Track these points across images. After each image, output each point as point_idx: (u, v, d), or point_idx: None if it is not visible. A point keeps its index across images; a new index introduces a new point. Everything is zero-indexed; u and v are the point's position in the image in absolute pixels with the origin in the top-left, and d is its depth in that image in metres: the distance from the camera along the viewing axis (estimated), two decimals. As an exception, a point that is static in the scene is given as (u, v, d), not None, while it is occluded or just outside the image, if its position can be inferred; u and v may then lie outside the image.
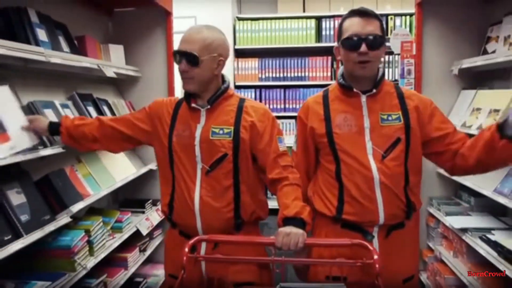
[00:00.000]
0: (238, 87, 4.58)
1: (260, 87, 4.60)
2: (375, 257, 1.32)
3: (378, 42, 1.47)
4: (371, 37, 1.47)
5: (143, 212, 2.79)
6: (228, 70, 4.60)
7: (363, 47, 1.46)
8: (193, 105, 1.57)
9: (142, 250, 2.71)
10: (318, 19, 4.53)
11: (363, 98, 1.54)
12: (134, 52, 2.96)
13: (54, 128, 1.74)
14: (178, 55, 1.54)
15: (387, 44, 1.70)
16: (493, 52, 2.44)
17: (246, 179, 1.58)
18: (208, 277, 1.57)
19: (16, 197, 1.70)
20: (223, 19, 4.59)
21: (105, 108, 2.53)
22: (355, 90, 1.54)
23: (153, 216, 2.84)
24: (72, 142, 1.76)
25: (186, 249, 1.39)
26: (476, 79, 2.73)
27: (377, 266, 1.31)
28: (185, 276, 1.35)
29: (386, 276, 1.38)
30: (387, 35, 4.18)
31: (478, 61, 2.42)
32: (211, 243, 1.55)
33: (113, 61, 2.69)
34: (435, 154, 1.58)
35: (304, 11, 4.61)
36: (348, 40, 1.49)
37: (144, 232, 2.63)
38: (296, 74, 4.60)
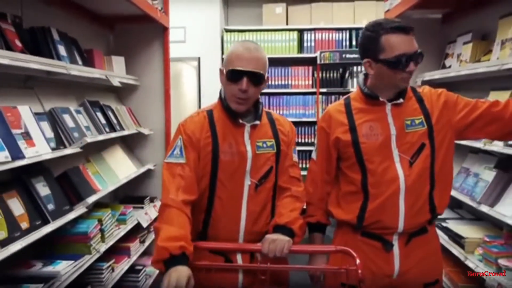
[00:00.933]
0: (225, 94, 4.91)
1: (246, 94, 4.94)
2: (357, 262, 1.36)
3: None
4: (418, 55, 1.46)
5: (142, 208, 3.08)
6: (215, 78, 4.90)
7: (411, 66, 1.45)
8: (241, 121, 1.51)
9: (142, 242, 3.01)
10: (300, 31, 4.91)
11: (388, 107, 1.52)
12: (133, 62, 3.26)
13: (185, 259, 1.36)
14: (240, 74, 1.44)
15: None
16: (449, 67, 2.85)
17: (279, 190, 1.58)
18: None
19: (43, 189, 1.99)
20: (211, 30, 4.93)
21: (110, 114, 2.83)
22: (381, 99, 1.52)
23: (151, 211, 3.14)
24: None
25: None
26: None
27: (359, 272, 1.33)
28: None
29: (407, 281, 1.44)
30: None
31: (435, 74, 2.82)
32: (247, 256, 1.51)
33: (116, 71, 2.99)
34: (482, 132, 1.56)
35: (287, 23, 4.97)
36: (397, 59, 1.43)
37: (145, 224, 2.92)
38: (279, 82, 4.96)
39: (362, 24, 4.73)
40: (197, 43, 4.93)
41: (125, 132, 2.88)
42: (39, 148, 1.87)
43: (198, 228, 1.52)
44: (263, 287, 1.41)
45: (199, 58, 5.09)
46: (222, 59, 4.87)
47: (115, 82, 2.74)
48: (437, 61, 3.14)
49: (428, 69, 3.10)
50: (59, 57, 2.18)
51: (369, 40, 1.49)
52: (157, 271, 3.04)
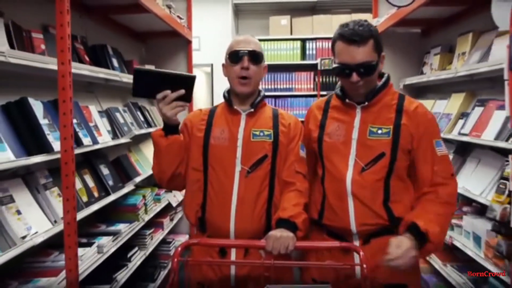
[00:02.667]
0: (236, 97, 5.53)
1: (255, 96, 5.55)
2: (362, 254, 1.36)
3: (370, 69, 1.42)
4: (360, 67, 1.41)
5: (171, 191, 3.69)
6: (227, 82, 5.50)
7: (354, 77, 1.42)
8: (236, 107, 1.57)
9: (171, 219, 3.62)
10: (303, 40, 5.51)
11: (358, 110, 1.51)
12: (163, 69, 3.88)
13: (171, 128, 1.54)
14: (239, 54, 1.52)
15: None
16: (425, 73, 3.44)
17: (280, 181, 1.58)
18: (236, 285, 1.53)
19: (104, 169, 2.60)
20: (223, 40, 5.51)
21: (146, 113, 3.44)
22: (347, 101, 1.52)
23: (178, 194, 3.75)
24: (173, 156, 1.57)
25: (180, 248, 1.40)
26: (416, 92, 3.73)
27: (365, 268, 1.33)
28: (175, 279, 1.33)
29: (371, 281, 1.39)
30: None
31: (413, 79, 3.42)
32: (242, 251, 1.54)
33: (149, 77, 3.61)
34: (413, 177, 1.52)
35: (291, 34, 5.56)
36: (339, 67, 1.45)
37: (174, 204, 3.54)
38: (284, 86, 5.57)
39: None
40: (210, 51, 5.52)
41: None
42: (104, 137, 2.49)
43: (198, 213, 1.57)
44: (258, 281, 1.41)
45: (212, 65, 5.71)
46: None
47: (151, 87, 3.36)
48: (417, 68, 3.73)
49: (409, 74, 3.69)
50: (113, 68, 2.80)
51: (332, 43, 1.50)
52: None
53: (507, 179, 1.73)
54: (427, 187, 1.47)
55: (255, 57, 1.55)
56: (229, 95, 1.63)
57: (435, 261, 2.73)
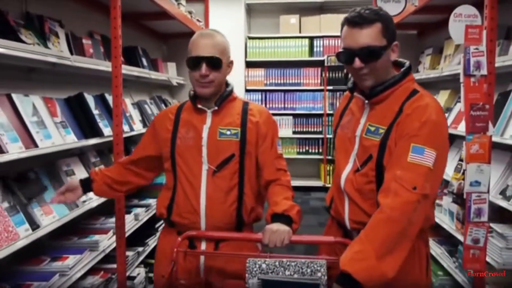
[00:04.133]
0: (248, 91, 5.94)
1: (265, 91, 5.96)
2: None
3: (374, 54, 1.29)
4: (362, 51, 1.30)
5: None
6: (240, 77, 5.96)
7: (356, 62, 1.31)
8: (199, 106, 1.54)
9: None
10: (311, 38, 5.89)
11: (366, 104, 1.40)
12: (182, 67, 4.31)
13: (87, 184, 1.68)
14: (197, 60, 1.47)
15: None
16: (419, 72, 3.82)
17: (249, 179, 1.56)
18: (205, 277, 1.54)
19: (136, 153, 3.06)
20: (237, 37, 5.93)
21: (169, 104, 3.89)
22: (355, 94, 1.44)
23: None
24: (106, 190, 1.68)
25: (179, 240, 1.42)
26: (412, 88, 4.10)
27: None
28: (175, 269, 1.36)
29: None
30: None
31: (408, 77, 3.80)
32: (212, 244, 1.52)
33: (170, 73, 4.05)
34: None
35: (300, 32, 5.95)
36: (342, 52, 1.35)
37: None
38: (293, 81, 5.96)
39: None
40: None
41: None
42: (137, 126, 2.94)
43: (166, 202, 1.57)
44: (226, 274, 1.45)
45: (226, 60, 6.13)
46: (246, 62, 5.89)
47: (174, 83, 3.80)
48: (413, 67, 4.10)
49: (406, 72, 4.07)
50: (143, 66, 3.25)
51: (341, 30, 1.38)
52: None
53: (462, 160, 2.11)
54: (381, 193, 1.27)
55: (214, 63, 1.48)
56: (194, 93, 1.58)
57: (420, 236, 3.14)
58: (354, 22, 1.30)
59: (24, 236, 1.63)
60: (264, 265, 1.28)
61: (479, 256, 1.91)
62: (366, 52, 1.29)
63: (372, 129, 1.36)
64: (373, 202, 1.35)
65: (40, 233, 1.71)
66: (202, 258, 1.53)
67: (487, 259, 2.03)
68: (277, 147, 1.59)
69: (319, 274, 1.26)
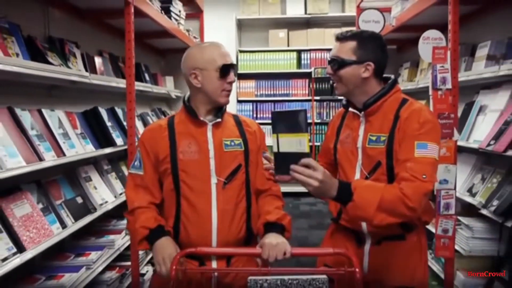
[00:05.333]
0: (240, 102, 6.23)
1: (256, 101, 6.26)
2: (357, 268, 1.29)
3: (339, 64, 1.48)
4: (332, 60, 1.50)
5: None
6: (233, 89, 6.20)
7: (328, 69, 1.52)
8: (202, 118, 1.51)
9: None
10: (299, 51, 6.21)
11: (362, 117, 1.52)
12: (179, 80, 4.59)
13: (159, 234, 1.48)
14: (229, 68, 1.49)
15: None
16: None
17: (254, 189, 1.57)
18: None
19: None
20: (229, 51, 6.20)
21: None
22: (350, 109, 1.57)
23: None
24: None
25: (179, 256, 1.34)
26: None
27: (357, 274, 1.27)
28: (174, 287, 1.30)
29: (375, 279, 1.43)
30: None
31: (389, 88, 4.14)
32: (223, 261, 1.48)
33: (168, 87, 4.32)
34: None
35: (288, 45, 6.26)
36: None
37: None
38: (282, 92, 6.27)
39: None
40: None
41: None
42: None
43: (169, 223, 1.49)
44: None
45: (218, 73, 6.42)
46: (237, 74, 6.19)
47: (173, 95, 4.08)
48: (393, 78, 4.46)
49: (387, 84, 4.41)
50: (146, 81, 3.52)
51: None
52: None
53: None
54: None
55: (236, 71, 1.78)
56: (189, 103, 1.54)
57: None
58: (336, 37, 1.54)
59: (57, 233, 1.87)
60: (265, 284, 1.26)
61: (449, 244, 2.21)
62: (335, 61, 1.49)
63: (374, 138, 1.47)
64: None
65: (69, 231, 1.96)
66: (214, 276, 1.48)
67: (456, 247, 2.34)
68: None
69: None
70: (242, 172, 1.52)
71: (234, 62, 1.63)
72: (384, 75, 1.57)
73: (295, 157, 1.25)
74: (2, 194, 1.72)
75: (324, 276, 1.27)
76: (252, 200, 1.55)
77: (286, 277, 1.26)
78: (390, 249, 1.51)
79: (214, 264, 1.47)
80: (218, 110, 1.55)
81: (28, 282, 1.90)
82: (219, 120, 1.52)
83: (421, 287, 1.56)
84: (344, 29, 6.34)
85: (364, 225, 1.50)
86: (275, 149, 1.30)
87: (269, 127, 6.22)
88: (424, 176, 1.35)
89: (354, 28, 5.91)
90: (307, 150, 1.24)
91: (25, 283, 1.89)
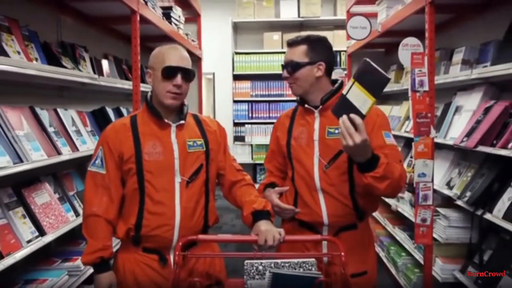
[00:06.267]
0: (236, 102, 6.44)
1: (252, 101, 6.46)
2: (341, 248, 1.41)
3: (294, 67, 1.61)
4: (286, 65, 1.64)
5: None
6: (228, 89, 6.45)
7: (284, 72, 1.65)
8: (166, 120, 1.54)
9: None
10: (292, 53, 6.42)
11: (316, 113, 1.66)
12: (177, 81, 4.82)
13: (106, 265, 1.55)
14: (173, 70, 1.49)
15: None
16: (387, 84, 4.40)
17: (212, 186, 1.63)
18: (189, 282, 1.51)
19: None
20: (225, 53, 6.43)
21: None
22: (306, 106, 1.67)
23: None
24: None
25: (181, 243, 1.43)
26: (380, 99, 4.68)
27: (343, 255, 1.40)
28: (178, 272, 1.38)
29: (335, 269, 1.50)
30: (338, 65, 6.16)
31: (377, 90, 4.37)
32: (179, 255, 1.47)
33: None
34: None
35: (282, 47, 6.43)
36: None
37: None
38: (277, 92, 6.48)
39: (339, 47, 6.27)
40: (212, 61, 6.30)
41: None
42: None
43: (131, 220, 1.53)
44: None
45: (214, 73, 6.65)
46: (233, 75, 6.40)
47: (172, 96, 4.29)
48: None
49: (376, 85, 4.65)
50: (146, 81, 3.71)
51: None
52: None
53: (412, 157, 2.63)
54: None
55: (189, 75, 1.53)
56: (152, 103, 1.57)
57: (388, 226, 3.68)
58: (287, 44, 1.67)
59: (72, 220, 2.07)
60: (260, 267, 1.38)
61: (427, 232, 2.44)
62: (289, 65, 1.63)
63: (332, 130, 1.62)
64: (347, 192, 1.62)
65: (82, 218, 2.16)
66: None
67: (435, 236, 2.57)
68: (228, 150, 1.71)
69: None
70: (203, 171, 1.59)
71: (188, 67, 1.54)
72: (332, 78, 1.74)
73: (353, 109, 1.34)
74: (24, 184, 1.92)
75: (313, 260, 1.41)
76: (210, 196, 1.62)
77: (279, 260, 1.39)
78: (348, 238, 1.63)
79: (172, 257, 1.54)
80: (179, 110, 1.58)
81: (47, 264, 2.10)
82: (182, 122, 1.57)
83: (372, 270, 1.73)
84: (336, 32, 6.59)
85: (324, 216, 1.63)
86: (344, 91, 1.38)
87: (264, 126, 6.46)
88: (400, 161, 1.60)
89: (343, 31, 6.16)
90: (365, 111, 1.34)
91: (44, 264, 2.09)
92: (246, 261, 1.37)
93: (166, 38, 3.62)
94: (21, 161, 1.70)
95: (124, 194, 1.56)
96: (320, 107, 1.65)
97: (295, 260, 1.40)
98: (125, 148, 1.52)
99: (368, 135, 1.42)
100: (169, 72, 1.49)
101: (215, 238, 1.59)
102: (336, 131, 1.58)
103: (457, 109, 2.71)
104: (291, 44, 1.65)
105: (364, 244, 1.72)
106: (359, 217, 1.67)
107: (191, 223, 1.55)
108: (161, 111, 1.55)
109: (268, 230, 1.45)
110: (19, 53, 1.85)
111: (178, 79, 1.50)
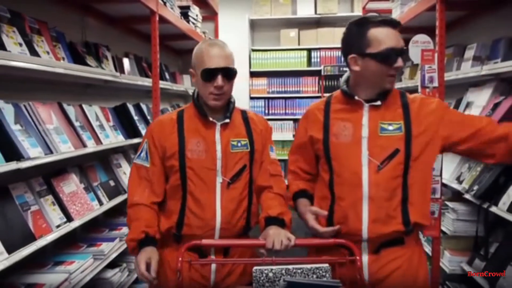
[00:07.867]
0: (252, 98, 6.54)
1: (268, 98, 6.55)
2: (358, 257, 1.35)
3: (407, 55, 1.45)
4: (405, 51, 1.41)
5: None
6: (245, 86, 6.55)
7: (399, 61, 1.38)
8: (211, 119, 1.51)
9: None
10: (309, 50, 6.45)
11: (366, 108, 1.45)
12: (195, 78, 4.94)
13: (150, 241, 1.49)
14: (213, 72, 1.45)
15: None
16: (402, 81, 4.42)
17: (255, 185, 1.58)
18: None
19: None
20: (242, 50, 6.50)
21: (185, 112, 4.52)
22: (356, 98, 1.46)
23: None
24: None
25: (184, 249, 1.40)
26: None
27: (358, 259, 1.32)
28: (180, 279, 1.34)
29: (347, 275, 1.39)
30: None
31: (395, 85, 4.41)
32: (221, 253, 1.52)
33: (186, 85, 4.66)
34: (471, 154, 1.48)
35: (299, 44, 6.50)
36: (385, 52, 1.36)
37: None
38: (293, 89, 6.55)
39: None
40: None
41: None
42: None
43: (174, 217, 1.52)
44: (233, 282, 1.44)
45: (231, 71, 6.75)
46: (250, 72, 6.50)
47: (190, 93, 4.42)
48: (397, 76, 4.71)
49: (391, 81, 4.67)
50: (166, 79, 3.86)
51: (355, 34, 1.42)
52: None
53: None
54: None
55: (230, 74, 1.49)
56: (198, 101, 1.55)
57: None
58: (395, 25, 1.40)
59: (96, 208, 2.23)
60: (271, 274, 1.28)
61: (435, 224, 2.49)
62: (405, 53, 1.47)
63: (385, 126, 1.43)
64: (398, 201, 1.41)
65: (106, 207, 2.31)
66: (213, 267, 1.52)
67: (444, 229, 2.62)
68: (270, 152, 1.61)
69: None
70: (246, 172, 1.54)
71: (229, 66, 1.49)
72: None
73: None
74: (53, 174, 2.08)
75: (327, 265, 1.30)
76: (253, 198, 1.57)
77: (290, 266, 1.29)
78: (389, 259, 1.45)
79: (213, 256, 1.52)
80: (227, 110, 1.55)
81: (74, 248, 2.26)
82: (227, 121, 1.54)
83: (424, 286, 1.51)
84: (353, 28, 6.57)
85: (365, 229, 1.43)
86: None
87: (281, 122, 6.54)
88: None
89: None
90: None
91: (71, 248, 2.26)
92: (255, 268, 1.30)
93: (184, 37, 3.75)
94: (51, 152, 1.86)
95: (167, 190, 1.54)
96: (379, 103, 1.45)
97: (308, 266, 1.31)
98: (169, 143, 1.51)
99: (444, 127, 1.43)
100: (209, 75, 1.46)
101: (221, 242, 1.52)
102: (390, 127, 1.44)
103: (468, 105, 2.75)
104: (397, 25, 1.42)
105: (415, 263, 1.48)
106: (406, 231, 1.44)
107: (232, 225, 1.51)
108: (207, 109, 1.53)
109: (276, 234, 1.40)
110: (48, 53, 2.00)
111: (219, 80, 1.46)
